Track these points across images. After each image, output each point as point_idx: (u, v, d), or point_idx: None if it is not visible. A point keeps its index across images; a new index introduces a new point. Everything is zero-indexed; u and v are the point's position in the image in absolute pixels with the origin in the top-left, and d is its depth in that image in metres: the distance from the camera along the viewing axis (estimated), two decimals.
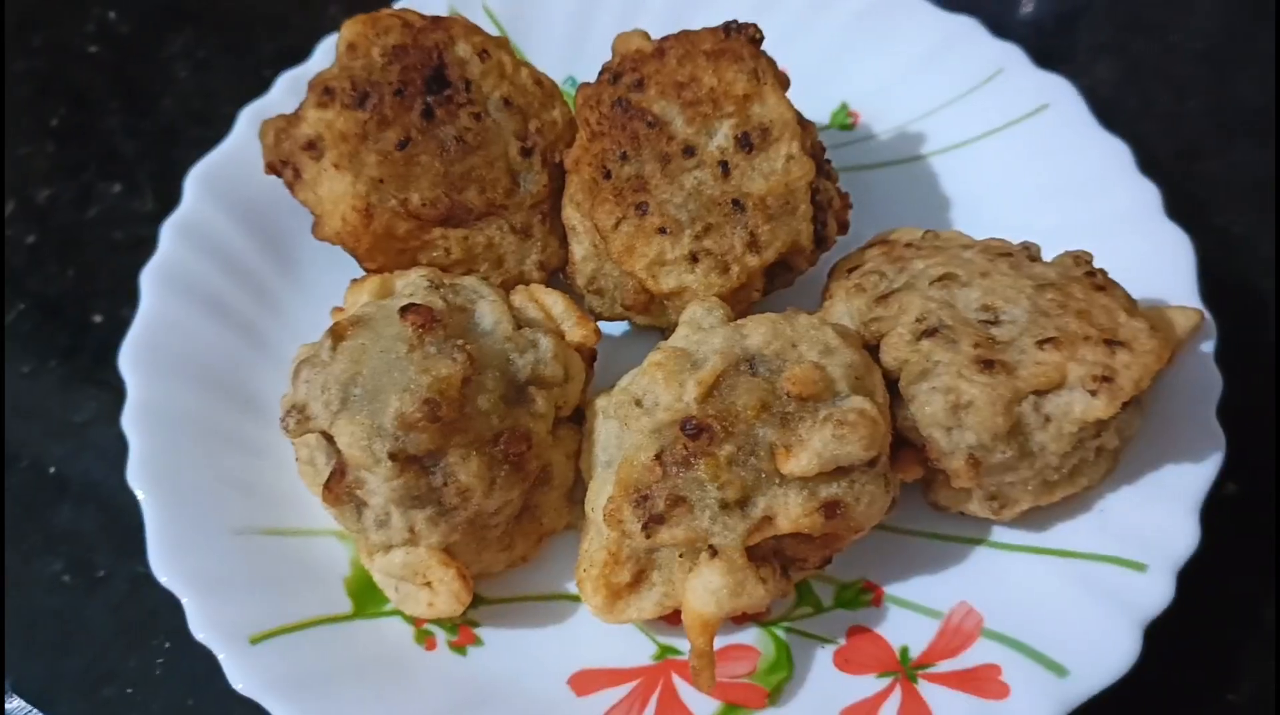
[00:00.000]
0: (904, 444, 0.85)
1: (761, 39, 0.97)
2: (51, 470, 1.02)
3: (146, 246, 1.02)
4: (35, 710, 0.90)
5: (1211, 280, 0.97)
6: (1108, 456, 0.86)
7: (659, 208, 0.92)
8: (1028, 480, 0.84)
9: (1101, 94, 1.19)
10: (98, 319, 1.12)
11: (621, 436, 0.84)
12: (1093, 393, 0.78)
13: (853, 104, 1.19)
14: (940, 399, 0.81)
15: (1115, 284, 0.86)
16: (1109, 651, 0.81)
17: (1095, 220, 1.02)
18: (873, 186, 1.12)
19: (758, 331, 0.83)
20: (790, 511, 0.77)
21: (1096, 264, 0.89)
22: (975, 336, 0.82)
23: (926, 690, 0.83)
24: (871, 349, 0.86)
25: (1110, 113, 1.10)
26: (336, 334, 0.84)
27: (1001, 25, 1.18)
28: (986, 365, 0.80)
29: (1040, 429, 0.81)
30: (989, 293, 0.85)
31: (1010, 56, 1.14)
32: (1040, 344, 0.80)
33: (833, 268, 0.97)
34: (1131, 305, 0.85)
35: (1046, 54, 1.15)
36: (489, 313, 0.88)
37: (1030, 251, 0.90)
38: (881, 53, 1.19)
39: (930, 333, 0.83)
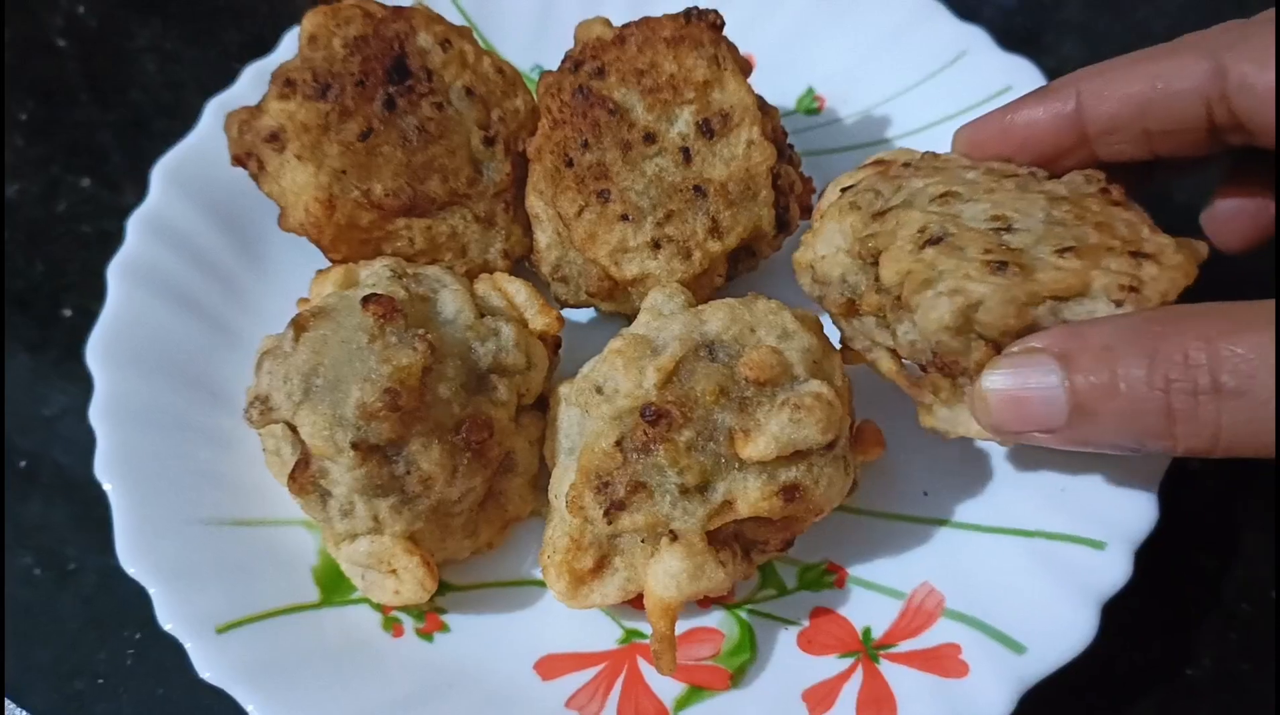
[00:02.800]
0: (915, 369, 0.83)
1: (722, 25, 0.97)
2: (21, 464, 1.03)
3: (116, 240, 1.03)
4: (8, 700, 0.90)
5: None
6: None
7: (621, 195, 0.92)
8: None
9: (1067, 74, 1.19)
10: (67, 313, 1.12)
11: (583, 423, 0.85)
12: (1117, 303, 0.72)
13: (818, 88, 1.19)
14: (946, 303, 0.74)
15: (1132, 202, 0.82)
16: (1067, 629, 0.82)
17: None
18: (839, 170, 1.11)
19: (716, 317, 0.83)
20: (749, 495, 0.78)
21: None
22: (985, 242, 0.75)
23: (888, 670, 0.84)
24: (871, 266, 0.81)
25: None
26: (299, 325, 0.84)
27: (970, 5, 1.18)
28: (999, 266, 0.73)
29: None
30: (998, 206, 0.78)
31: (974, 39, 1.15)
32: (1060, 252, 0.74)
33: (823, 189, 0.93)
34: (1151, 223, 0.79)
35: (1014, 34, 1.15)
36: (451, 301, 0.88)
37: (1036, 174, 0.84)
38: (846, 37, 1.19)
39: (934, 241, 0.76)
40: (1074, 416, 0.70)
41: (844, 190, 0.87)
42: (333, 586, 0.89)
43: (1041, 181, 0.83)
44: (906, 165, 0.87)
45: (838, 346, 0.86)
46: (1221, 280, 0.77)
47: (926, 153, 0.89)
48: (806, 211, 0.99)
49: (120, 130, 1.26)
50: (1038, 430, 0.72)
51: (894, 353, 0.84)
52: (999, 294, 0.72)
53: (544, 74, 0.99)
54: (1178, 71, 0.78)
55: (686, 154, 0.93)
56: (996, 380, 0.73)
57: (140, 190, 1.06)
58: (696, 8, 0.97)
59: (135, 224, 1.03)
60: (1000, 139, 0.88)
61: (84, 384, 0.94)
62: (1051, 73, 1.10)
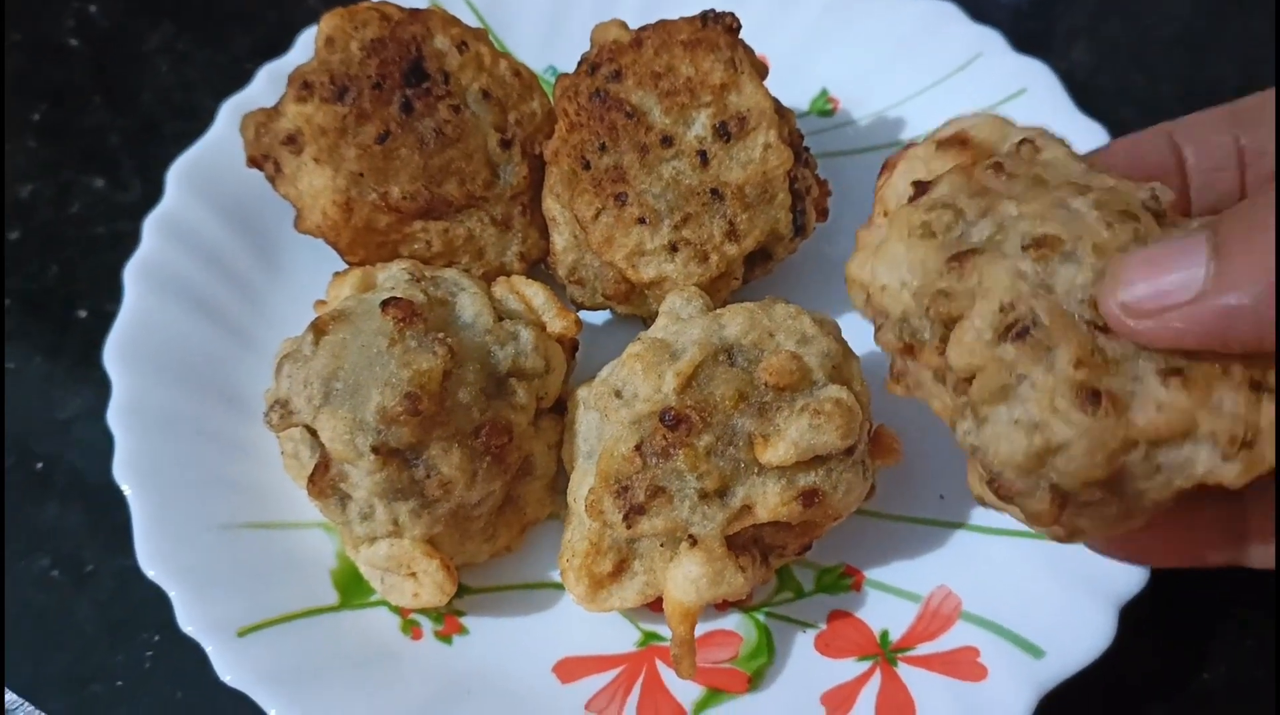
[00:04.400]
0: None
1: (739, 28, 0.97)
2: (38, 466, 1.03)
3: (130, 241, 1.03)
4: (27, 703, 0.91)
5: None
6: None
7: (638, 198, 0.92)
8: (1106, 518, 0.64)
9: (1078, 78, 1.20)
10: (82, 314, 1.12)
11: (602, 427, 0.85)
12: (1224, 457, 0.58)
13: (832, 90, 1.19)
14: (1023, 438, 0.60)
15: None
16: (1085, 633, 0.82)
17: None
18: (853, 172, 1.12)
19: (735, 321, 0.84)
20: (768, 501, 0.78)
21: None
22: (1079, 347, 0.59)
23: (906, 673, 0.84)
24: (938, 324, 0.66)
25: (1087, 96, 1.10)
26: (318, 329, 0.84)
27: (979, 10, 1.18)
28: (1092, 398, 0.58)
29: (1145, 478, 0.60)
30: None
31: (988, 41, 1.15)
32: (1165, 375, 0.58)
33: (887, 164, 0.78)
34: None
35: (1024, 38, 1.15)
36: (469, 305, 0.89)
37: (1157, 211, 0.65)
38: (860, 39, 1.19)
39: (1019, 334, 0.61)
40: (1218, 268, 0.55)
41: (916, 187, 0.71)
42: (351, 589, 0.90)
43: (1172, 224, 0.64)
44: (998, 168, 0.68)
45: (858, 351, 0.86)
46: None
47: (1024, 140, 0.71)
48: (823, 214, 0.99)
49: (132, 132, 1.26)
50: (1172, 301, 0.56)
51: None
52: (1087, 441, 0.59)
53: (560, 77, 0.99)
54: None
55: (704, 157, 0.93)
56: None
57: (152, 191, 1.06)
58: (713, 11, 0.97)
59: (151, 225, 1.03)
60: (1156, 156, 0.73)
61: (99, 387, 0.95)
62: (1063, 76, 1.11)
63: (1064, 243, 0.62)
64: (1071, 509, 0.62)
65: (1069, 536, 0.65)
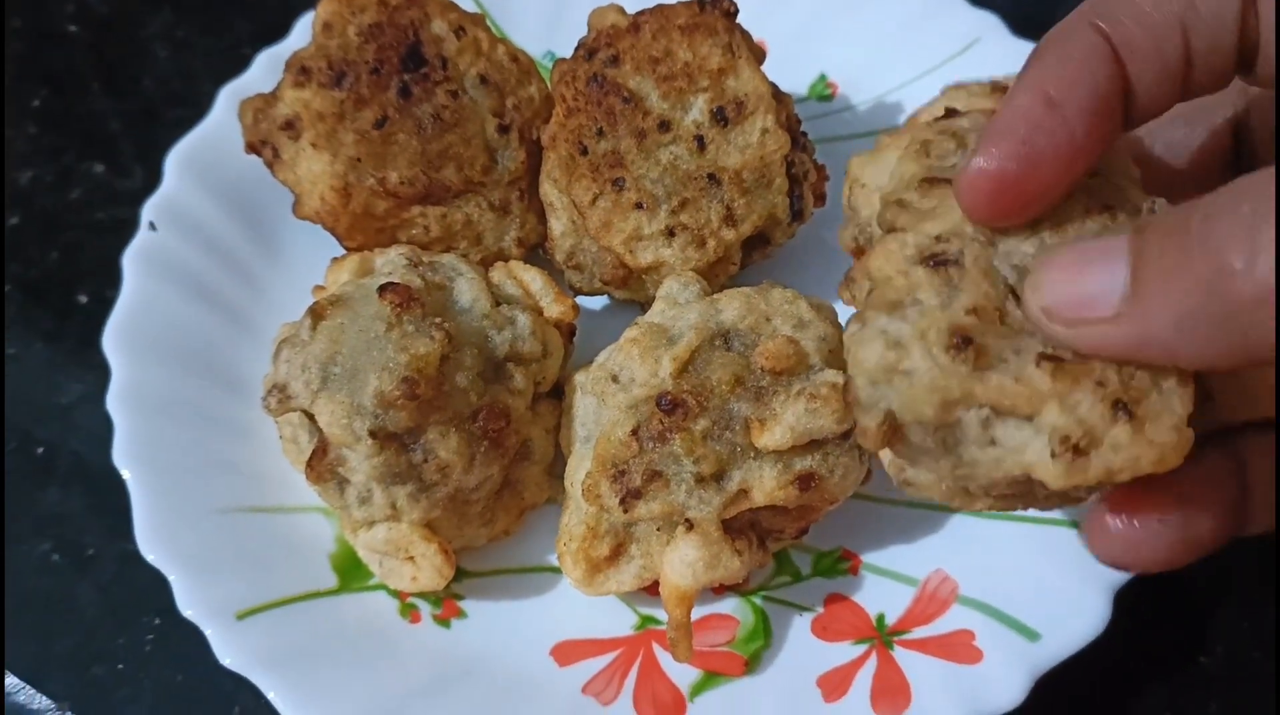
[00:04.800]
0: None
1: (736, 12, 0.97)
2: (39, 451, 1.03)
3: (130, 227, 1.03)
4: (28, 687, 0.91)
5: None
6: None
7: (635, 183, 0.92)
8: (941, 478, 0.64)
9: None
10: (83, 300, 1.13)
11: (599, 412, 0.85)
12: (1052, 455, 0.58)
13: (831, 75, 1.19)
14: (881, 349, 0.60)
15: None
16: (1080, 616, 0.82)
17: None
18: (851, 157, 1.12)
19: (732, 306, 0.84)
20: (765, 485, 0.79)
21: None
22: (981, 298, 0.60)
23: (902, 656, 0.84)
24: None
25: None
26: (316, 313, 0.85)
27: None
28: (961, 343, 0.58)
29: (979, 445, 0.60)
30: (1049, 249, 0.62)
31: (987, 25, 1.15)
32: (1041, 358, 0.58)
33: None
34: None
35: (1023, 22, 1.15)
36: (467, 290, 0.89)
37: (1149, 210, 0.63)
38: (859, 23, 1.19)
39: (936, 263, 0.61)
40: (1134, 289, 0.54)
41: (946, 112, 0.71)
42: (350, 573, 0.90)
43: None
44: None
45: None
46: None
47: None
48: (821, 199, 0.99)
49: (132, 117, 1.26)
50: (1090, 313, 0.56)
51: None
52: (931, 377, 0.59)
53: (558, 62, 0.99)
54: None
55: (701, 142, 0.93)
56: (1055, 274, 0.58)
57: (152, 177, 1.06)
58: None
59: (149, 211, 1.03)
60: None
61: (100, 372, 0.95)
62: None
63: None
64: (902, 446, 0.62)
65: (901, 483, 0.66)
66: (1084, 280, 0.56)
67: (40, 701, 0.91)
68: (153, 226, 1.02)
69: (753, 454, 0.79)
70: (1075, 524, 0.87)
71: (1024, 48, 1.10)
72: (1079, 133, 0.59)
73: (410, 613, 0.89)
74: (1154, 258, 0.53)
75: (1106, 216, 0.62)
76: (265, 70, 1.12)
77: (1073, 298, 0.56)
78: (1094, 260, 0.56)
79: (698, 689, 0.85)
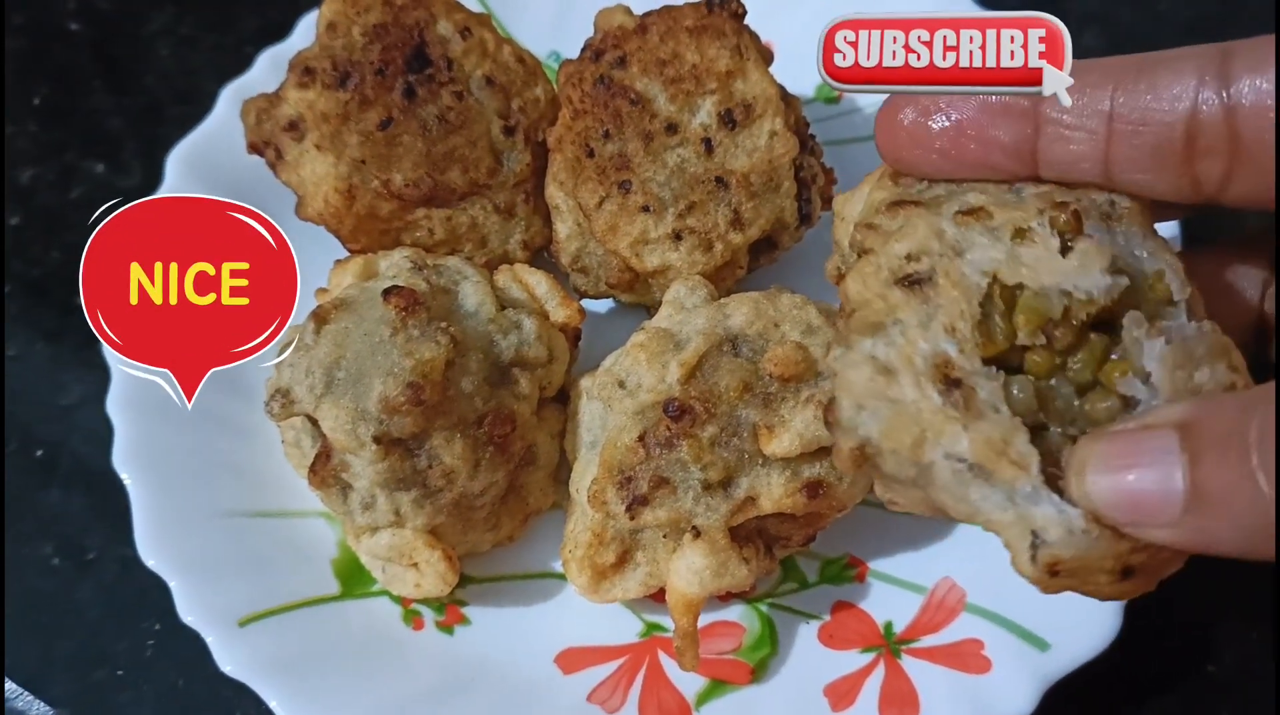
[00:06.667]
0: None
1: (744, 14, 0.96)
2: (39, 453, 1.02)
3: None
4: (26, 693, 0.90)
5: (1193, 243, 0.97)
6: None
7: (642, 186, 0.92)
8: (913, 503, 0.64)
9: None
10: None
11: (605, 418, 0.85)
12: (1033, 559, 0.58)
13: None
14: (868, 372, 0.60)
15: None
16: (1090, 626, 0.82)
17: None
18: (859, 160, 1.11)
19: (740, 311, 0.83)
20: (773, 492, 0.78)
21: None
22: (957, 315, 0.61)
23: (910, 666, 0.84)
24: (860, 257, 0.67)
25: None
26: (319, 317, 0.84)
27: None
28: (950, 384, 0.59)
29: (952, 497, 0.60)
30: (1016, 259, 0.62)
31: None
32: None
33: None
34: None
35: None
36: (472, 294, 0.88)
37: (1109, 214, 0.65)
38: None
39: (912, 283, 0.62)
40: (1191, 504, 0.53)
41: None
42: (353, 579, 0.89)
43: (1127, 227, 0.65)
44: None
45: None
46: None
47: None
48: (828, 202, 0.98)
49: (134, 116, 1.25)
50: (1146, 520, 0.55)
51: None
52: (913, 410, 0.59)
53: (564, 63, 0.98)
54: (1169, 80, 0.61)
55: (709, 145, 0.93)
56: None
57: (154, 176, 1.05)
58: None
59: None
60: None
61: (101, 373, 0.94)
62: None
63: (992, 217, 0.63)
64: (877, 473, 0.62)
65: (886, 501, 0.65)
66: (1135, 481, 0.54)
67: (39, 707, 0.90)
68: None
69: (760, 461, 0.78)
70: None
71: None
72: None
73: (414, 619, 0.88)
74: (1213, 469, 0.52)
75: (1062, 214, 0.62)
76: (268, 70, 1.11)
77: (1125, 501, 0.55)
78: (1143, 461, 0.54)
79: (704, 697, 0.84)
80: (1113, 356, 0.60)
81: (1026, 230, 0.62)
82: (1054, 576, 0.58)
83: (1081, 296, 0.60)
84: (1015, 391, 0.59)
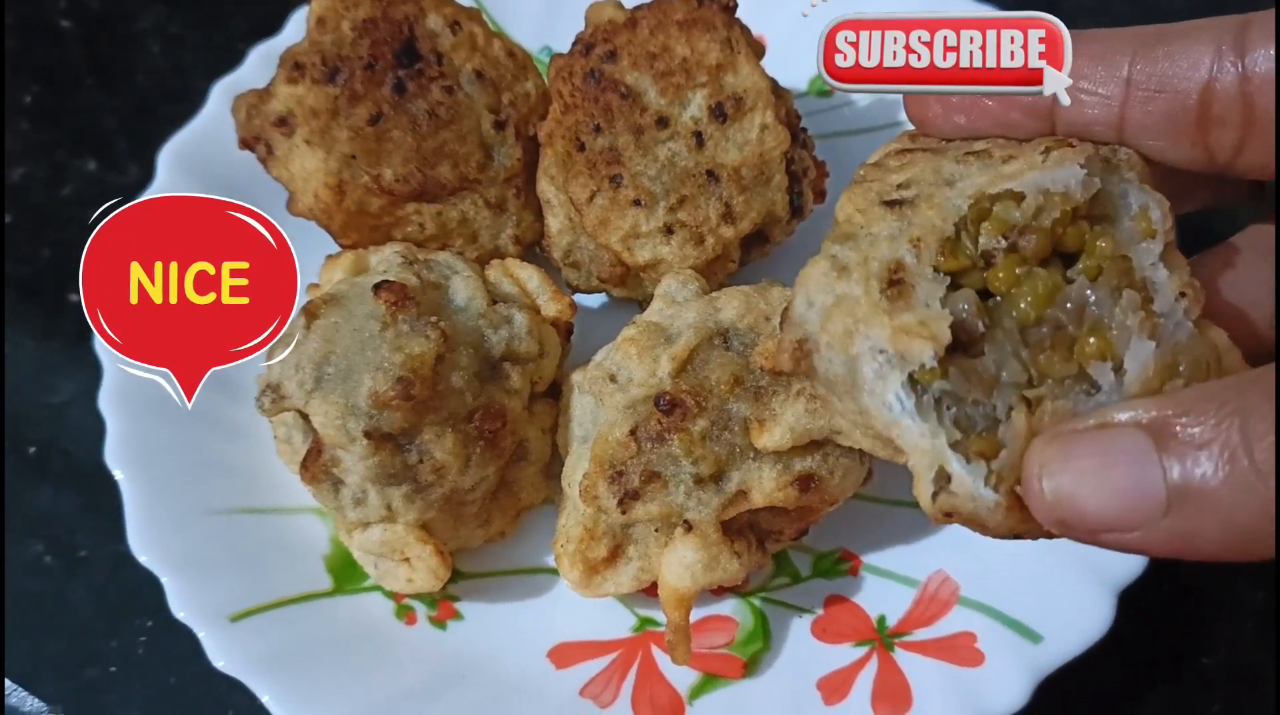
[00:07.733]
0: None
1: (735, 7, 0.96)
2: (31, 451, 1.02)
3: None
4: (20, 689, 0.90)
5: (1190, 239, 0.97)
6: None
7: (633, 180, 0.91)
8: (855, 426, 0.64)
9: None
10: (75, 299, 1.11)
11: (596, 412, 0.84)
12: (934, 496, 0.57)
13: None
14: (825, 268, 0.61)
15: None
16: (1083, 618, 0.82)
17: None
18: (851, 153, 1.11)
19: (731, 305, 0.83)
20: (764, 486, 0.78)
21: None
22: (928, 229, 0.61)
23: (903, 658, 0.84)
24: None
25: None
26: (309, 312, 0.84)
27: None
28: (894, 283, 0.58)
29: (871, 396, 0.58)
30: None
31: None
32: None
33: None
34: None
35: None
36: (463, 289, 0.88)
37: (1110, 160, 0.64)
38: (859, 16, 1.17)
39: (894, 202, 0.63)
40: (1175, 503, 0.50)
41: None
42: (345, 574, 0.89)
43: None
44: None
45: None
46: None
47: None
48: (820, 196, 0.98)
49: (125, 113, 1.25)
50: (1119, 527, 0.52)
51: None
52: (849, 301, 0.59)
53: (555, 57, 0.98)
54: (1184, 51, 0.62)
55: (699, 138, 0.92)
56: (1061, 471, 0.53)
57: (146, 173, 1.05)
58: None
59: None
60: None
61: (92, 370, 0.94)
62: None
63: (992, 156, 0.65)
64: (814, 376, 0.62)
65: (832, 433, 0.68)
66: (1108, 485, 0.51)
67: (32, 704, 0.90)
68: None
69: (752, 455, 0.78)
70: None
71: None
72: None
73: (406, 614, 0.88)
74: (1199, 468, 0.49)
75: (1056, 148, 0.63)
76: (259, 65, 1.11)
77: (1097, 509, 0.52)
78: (1116, 462, 0.51)
79: (696, 691, 0.84)
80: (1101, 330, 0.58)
81: (1018, 156, 0.64)
82: (946, 517, 0.57)
83: (1058, 191, 0.60)
84: (960, 304, 0.58)
